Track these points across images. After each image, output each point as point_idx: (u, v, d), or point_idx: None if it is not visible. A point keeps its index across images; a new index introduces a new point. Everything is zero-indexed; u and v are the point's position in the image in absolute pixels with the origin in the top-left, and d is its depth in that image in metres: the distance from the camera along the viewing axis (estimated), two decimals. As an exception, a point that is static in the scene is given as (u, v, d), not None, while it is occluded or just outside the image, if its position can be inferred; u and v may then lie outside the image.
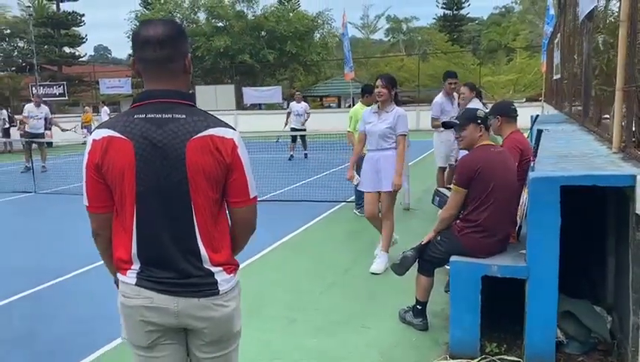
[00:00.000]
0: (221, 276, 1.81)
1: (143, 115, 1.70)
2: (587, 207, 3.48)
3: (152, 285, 1.76)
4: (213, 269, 1.79)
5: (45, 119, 13.17)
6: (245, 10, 33.37)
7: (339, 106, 31.69)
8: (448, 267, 3.44)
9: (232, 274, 1.85)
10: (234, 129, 1.79)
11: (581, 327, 3.22)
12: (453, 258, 3.35)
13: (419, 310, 3.73)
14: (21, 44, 37.52)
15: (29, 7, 31.34)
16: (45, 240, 6.80)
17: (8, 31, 37.69)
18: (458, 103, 6.59)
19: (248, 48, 31.78)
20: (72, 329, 4.01)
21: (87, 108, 19.08)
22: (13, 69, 36.45)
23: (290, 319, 3.99)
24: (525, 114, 6.79)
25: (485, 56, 37.94)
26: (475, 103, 6.00)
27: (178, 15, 34.12)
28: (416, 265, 3.67)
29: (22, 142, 14.63)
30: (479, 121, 3.52)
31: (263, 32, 32.67)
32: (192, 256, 1.76)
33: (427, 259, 3.59)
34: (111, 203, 1.77)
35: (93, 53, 59.44)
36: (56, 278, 5.07)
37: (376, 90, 4.84)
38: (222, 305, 1.81)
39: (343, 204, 8.07)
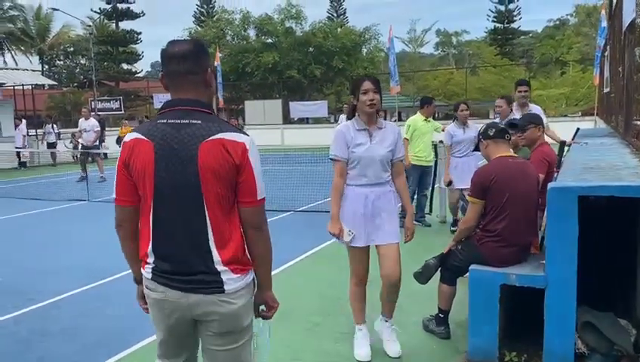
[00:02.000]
0: (227, 275, 1.92)
1: (165, 120, 1.91)
2: (619, 218, 3.45)
3: (165, 281, 1.93)
4: (220, 268, 1.91)
5: (96, 131, 13.88)
6: (294, 27, 34.04)
7: (385, 119, 31.61)
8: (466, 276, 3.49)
9: (240, 275, 1.95)
10: (247, 135, 1.93)
11: (603, 339, 3.19)
12: (472, 266, 3.39)
13: (441, 318, 3.78)
14: (83, 61, 39.64)
15: (91, 26, 33.05)
16: (94, 243, 7.20)
17: (72, 49, 39.92)
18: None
19: (296, 64, 32.38)
20: (114, 325, 4.28)
21: (125, 121, 19.84)
22: (76, 84, 38.47)
23: (314, 323, 4.12)
24: (574, 128, 6.85)
25: (538, 69, 37.13)
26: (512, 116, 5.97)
27: (229, 32, 35.21)
28: (438, 274, 3.73)
29: (76, 155, 15.40)
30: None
31: (310, 48, 33.22)
32: (203, 252, 1.90)
33: (449, 267, 3.65)
34: (136, 198, 1.97)
35: (149, 69, 61.87)
36: (103, 279, 5.39)
37: (363, 98, 3.30)
38: (228, 302, 1.93)
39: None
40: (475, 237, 3.51)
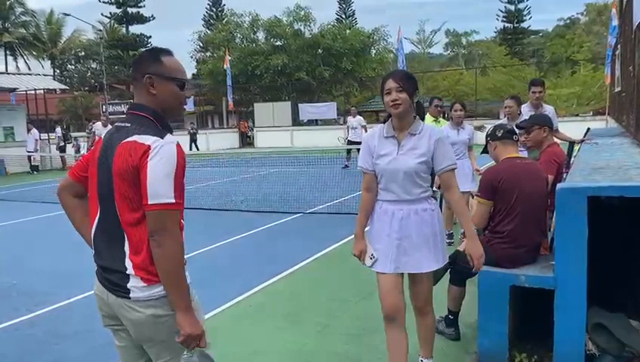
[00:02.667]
0: (135, 282, 1.88)
1: (117, 123, 2.02)
2: (631, 218, 3.43)
3: (98, 274, 2.02)
4: (130, 273, 1.88)
5: None
6: (302, 29, 34.12)
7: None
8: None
9: (148, 285, 1.88)
10: (163, 138, 1.85)
11: (614, 340, 3.17)
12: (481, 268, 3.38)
13: (451, 320, 3.78)
14: (94, 65, 39.99)
15: (101, 30, 33.35)
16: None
17: (83, 53, 40.29)
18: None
19: (305, 66, 32.45)
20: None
21: None
22: (87, 88, 38.82)
23: (324, 325, 4.13)
24: (585, 128, 6.77)
25: (548, 69, 36.90)
26: (520, 120, 5.83)
27: (239, 35, 35.36)
28: (447, 275, 3.72)
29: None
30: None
31: (319, 50, 33.28)
32: (119, 254, 1.90)
33: (458, 269, 3.64)
34: (83, 179, 2.09)
35: (159, 73, 62.28)
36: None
37: (386, 100, 2.80)
38: (134, 309, 1.90)
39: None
40: (483, 238, 3.50)
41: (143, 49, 31.95)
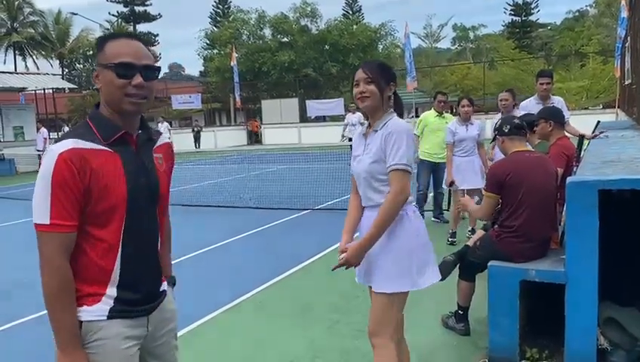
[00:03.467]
0: None
1: None
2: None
3: None
4: None
5: None
6: (309, 25, 34.09)
7: (401, 117, 31.46)
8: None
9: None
10: (58, 144, 1.61)
11: (626, 335, 3.15)
12: (491, 262, 3.37)
13: (460, 315, 3.76)
14: (102, 64, 40.13)
15: (109, 29, 33.48)
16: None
17: (91, 52, 40.46)
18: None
19: (312, 62, 32.44)
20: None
21: None
22: (95, 87, 38.97)
23: (334, 321, 4.13)
24: (594, 121, 6.62)
25: (557, 62, 36.61)
26: (515, 112, 5.69)
27: (245, 32, 35.38)
28: (456, 270, 3.71)
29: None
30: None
31: (326, 46, 33.24)
32: None
33: (467, 264, 3.63)
34: None
35: (167, 71, 62.47)
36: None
37: (354, 91, 2.47)
38: None
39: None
40: (493, 233, 3.49)
41: (151, 47, 31.86)
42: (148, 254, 1.79)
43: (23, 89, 21.46)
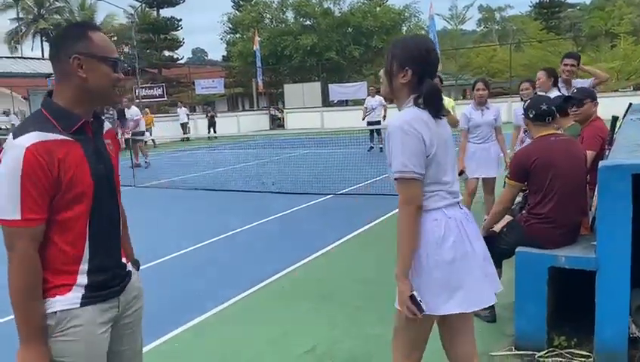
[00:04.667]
0: None
1: None
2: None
3: None
4: None
5: (135, 120, 14.18)
6: (332, 8, 33.74)
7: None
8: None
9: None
10: (14, 139, 1.58)
11: (659, 324, 3.05)
12: (519, 248, 3.29)
13: (486, 301, 3.69)
14: (126, 49, 40.51)
15: (133, 14, 33.67)
16: (141, 227, 7.40)
17: (115, 38, 40.83)
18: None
19: (335, 45, 32.14)
20: (161, 306, 4.38)
21: (146, 109, 19.78)
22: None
23: (357, 307, 4.11)
24: (625, 104, 6.36)
25: (587, 43, 35.62)
26: (553, 93, 5.30)
27: (268, 15, 35.21)
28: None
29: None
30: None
31: (349, 28, 32.88)
32: None
33: (494, 250, 3.52)
34: None
35: (190, 56, 62.74)
36: (146, 264, 5.52)
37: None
38: None
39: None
40: (520, 218, 3.40)
41: (174, 32, 31.94)
42: (113, 238, 1.83)
43: (50, 75, 21.78)
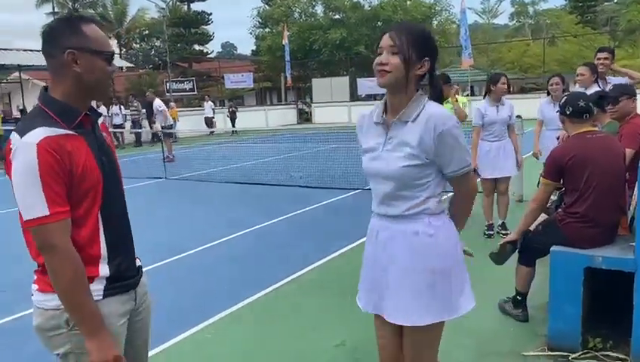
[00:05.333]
0: (35, 285, 1.72)
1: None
2: None
3: None
4: (35, 274, 1.73)
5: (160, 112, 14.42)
6: (362, 1, 33.55)
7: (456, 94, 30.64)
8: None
9: (39, 291, 1.69)
10: (21, 137, 1.56)
11: (700, 328, 2.95)
12: (554, 248, 3.22)
13: (518, 301, 3.64)
14: (157, 43, 41.05)
15: (164, 8, 34.07)
16: (170, 219, 7.52)
17: (147, 32, 41.41)
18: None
19: (364, 39, 31.94)
20: (187, 299, 4.45)
21: (172, 103, 19.77)
22: (151, 66, 39.94)
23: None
24: None
25: (624, 38, 34.62)
26: (593, 89, 5.08)
27: (297, 9, 35.19)
28: (516, 254, 3.58)
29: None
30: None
31: (379, 22, 32.61)
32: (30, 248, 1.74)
33: (528, 248, 3.49)
34: None
35: (220, 50, 63.20)
36: (178, 254, 5.60)
37: (375, 60, 1.93)
38: (34, 312, 1.73)
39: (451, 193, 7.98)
40: (556, 216, 3.33)
41: (205, 26, 32.05)
42: (125, 230, 1.84)
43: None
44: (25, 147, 1.53)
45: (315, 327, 3.75)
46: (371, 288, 2.09)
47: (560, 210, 3.35)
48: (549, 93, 5.84)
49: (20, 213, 1.59)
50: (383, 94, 2.04)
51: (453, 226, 2.07)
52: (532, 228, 3.52)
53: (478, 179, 5.64)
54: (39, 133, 1.54)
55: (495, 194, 5.80)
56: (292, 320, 3.91)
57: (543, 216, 3.58)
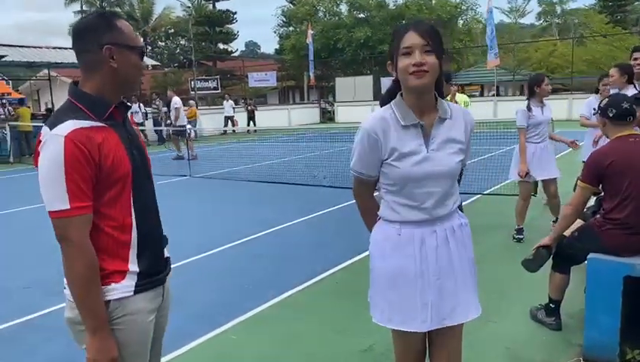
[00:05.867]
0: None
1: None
2: None
3: None
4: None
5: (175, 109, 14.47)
6: (387, 0, 33.34)
7: (482, 95, 30.30)
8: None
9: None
10: (51, 130, 1.57)
11: None
12: (591, 255, 3.11)
13: (552, 309, 3.52)
14: (182, 42, 41.44)
15: (190, 7, 34.35)
16: (197, 217, 7.53)
17: (172, 30, 41.86)
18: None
19: (388, 38, 31.49)
20: (216, 297, 4.44)
21: (191, 102, 19.85)
22: (176, 65, 40.35)
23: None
24: None
25: (655, 38, 33.73)
26: (629, 91, 4.94)
27: (321, 8, 35.16)
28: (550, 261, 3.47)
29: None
30: None
31: (403, 21, 32.34)
32: None
33: (563, 255, 3.38)
34: None
35: (244, 49, 63.59)
36: (205, 252, 5.60)
37: (406, 62, 1.86)
38: (67, 306, 1.74)
39: (479, 196, 7.84)
40: (594, 223, 3.22)
41: (229, 25, 32.19)
42: (155, 223, 1.84)
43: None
44: (53, 139, 1.55)
45: (341, 331, 3.69)
46: (426, 302, 1.96)
47: (598, 215, 3.23)
48: (597, 91, 5.69)
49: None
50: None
51: None
52: (567, 233, 3.41)
53: (517, 182, 5.61)
54: (68, 126, 1.56)
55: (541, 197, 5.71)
56: (318, 322, 3.86)
57: (579, 222, 3.46)
